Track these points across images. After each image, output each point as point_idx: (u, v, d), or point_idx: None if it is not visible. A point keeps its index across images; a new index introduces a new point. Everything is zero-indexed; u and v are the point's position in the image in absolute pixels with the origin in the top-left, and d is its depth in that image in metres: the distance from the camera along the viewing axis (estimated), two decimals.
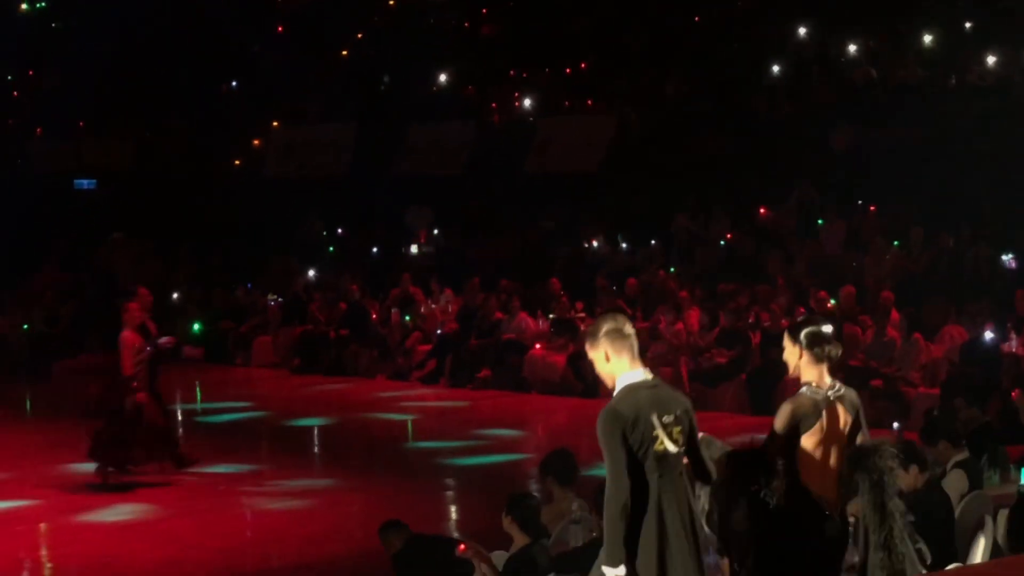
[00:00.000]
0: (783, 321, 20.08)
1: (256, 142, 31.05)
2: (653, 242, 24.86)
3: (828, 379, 6.95)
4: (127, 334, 15.32)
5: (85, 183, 31.22)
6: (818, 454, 6.76)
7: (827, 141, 24.40)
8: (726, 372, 20.09)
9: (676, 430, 6.31)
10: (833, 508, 6.82)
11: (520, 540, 8.98)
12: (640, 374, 6.46)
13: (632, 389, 6.37)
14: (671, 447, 6.26)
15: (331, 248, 28.08)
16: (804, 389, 6.92)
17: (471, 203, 27.58)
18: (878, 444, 6.87)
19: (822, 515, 6.75)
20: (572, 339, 21.95)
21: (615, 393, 6.43)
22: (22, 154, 31.31)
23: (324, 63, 32.32)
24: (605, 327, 6.51)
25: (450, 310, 24.03)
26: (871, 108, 24.56)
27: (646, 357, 6.93)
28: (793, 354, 7.02)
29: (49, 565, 13.02)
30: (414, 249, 27.24)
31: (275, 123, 30.84)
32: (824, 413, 6.82)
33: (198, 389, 23.82)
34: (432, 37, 31.29)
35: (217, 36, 31.18)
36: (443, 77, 30.28)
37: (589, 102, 28.41)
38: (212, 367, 25.47)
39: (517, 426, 19.72)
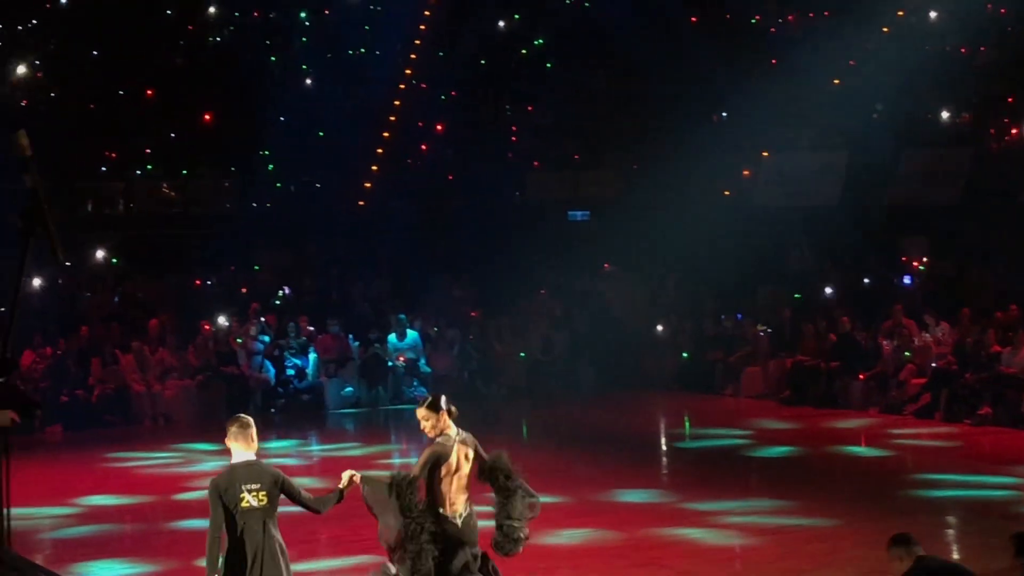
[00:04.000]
0: None
1: (746, 172, 31.04)
2: None
3: (454, 429, 9.85)
4: None
5: (579, 214, 32.05)
6: (449, 481, 9.74)
7: None
8: None
9: (261, 494, 9.16)
10: (457, 516, 9.72)
11: None
12: (245, 455, 9.31)
13: (233, 467, 9.29)
14: (255, 504, 9.14)
15: (816, 278, 27.69)
16: (441, 438, 9.78)
17: (967, 232, 26.66)
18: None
19: (448, 521, 9.67)
20: None
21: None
22: (520, 186, 32.44)
23: (815, 92, 31.98)
24: (234, 425, 9.38)
25: (945, 342, 23.27)
26: None
27: None
28: (432, 416, 9.84)
29: None
30: (907, 279, 26.52)
31: (764, 153, 30.73)
32: (454, 453, 9.74)
33: (687, 418, 23.98)
34: (927, 63, 30.50)
35: (706, 69, 31.37)
36: (939, 104, 29.41)
37: None
38: (701, 396, 25.57)
39: (1017, 464, 18.82)
